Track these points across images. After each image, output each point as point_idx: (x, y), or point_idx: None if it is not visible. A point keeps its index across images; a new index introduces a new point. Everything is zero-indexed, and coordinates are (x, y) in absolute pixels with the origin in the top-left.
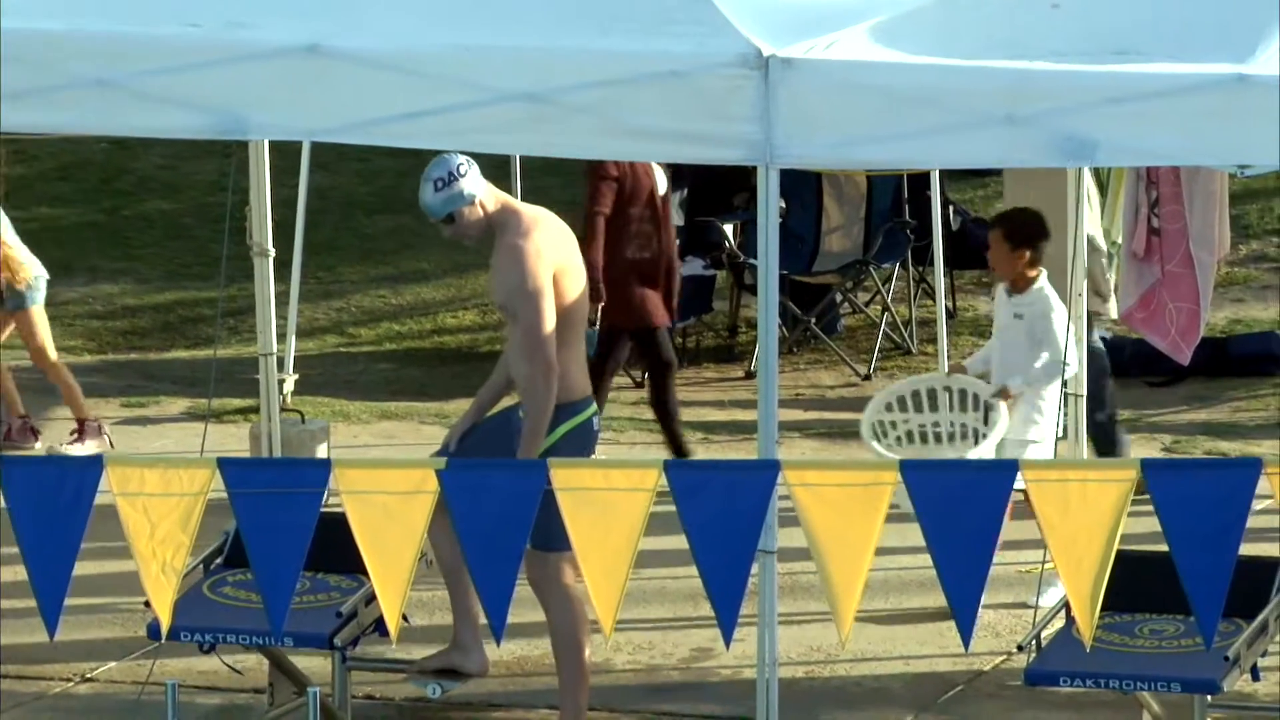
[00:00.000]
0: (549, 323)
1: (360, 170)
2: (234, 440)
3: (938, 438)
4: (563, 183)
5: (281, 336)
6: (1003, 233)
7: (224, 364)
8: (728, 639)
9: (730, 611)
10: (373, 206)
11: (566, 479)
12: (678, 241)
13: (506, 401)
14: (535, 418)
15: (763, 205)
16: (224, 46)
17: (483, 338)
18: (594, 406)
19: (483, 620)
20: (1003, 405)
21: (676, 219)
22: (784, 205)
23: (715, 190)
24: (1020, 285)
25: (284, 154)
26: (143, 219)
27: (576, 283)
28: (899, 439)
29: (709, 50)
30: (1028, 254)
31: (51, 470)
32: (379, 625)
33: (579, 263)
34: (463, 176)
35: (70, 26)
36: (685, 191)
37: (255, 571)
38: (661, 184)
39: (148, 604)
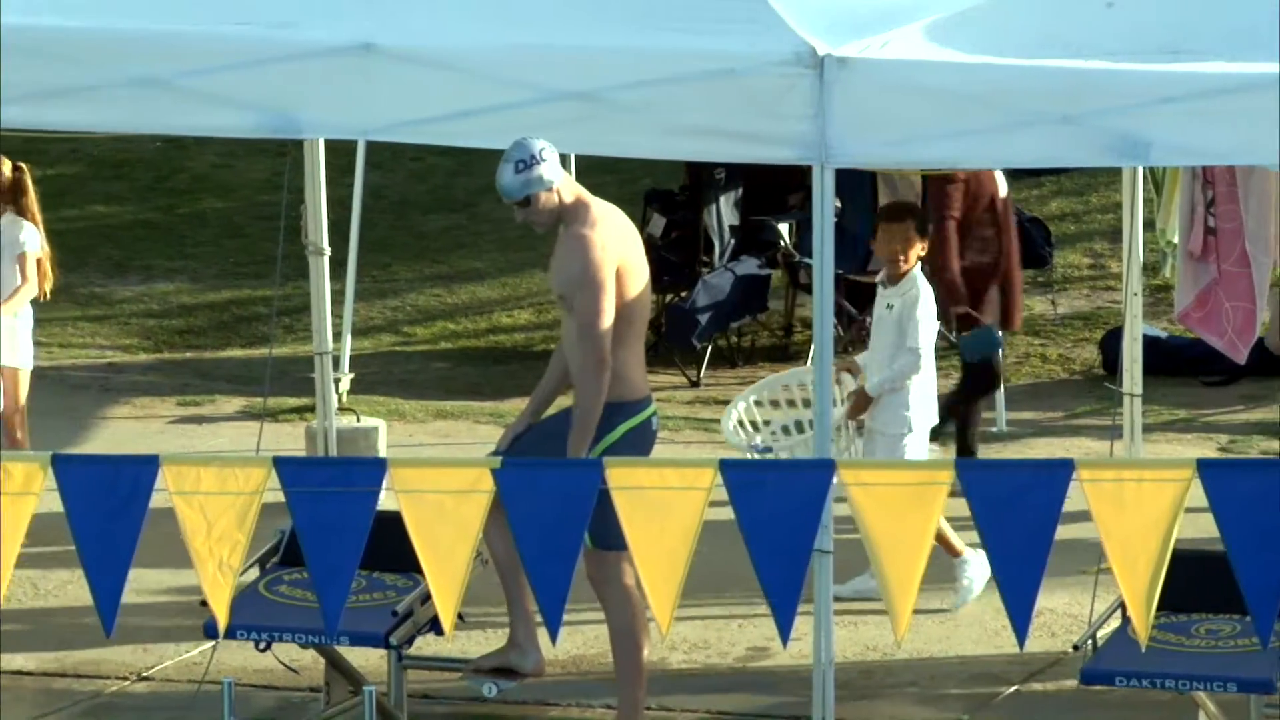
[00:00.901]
0: (606, 317)
1: (415, 169)
2: (289, 439)
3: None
4: (618, 181)
5: (337, 335)
6: (915, 223)
7: (279, 363)
8: (785, 638)
9: (787, 610)
10: (427, 205)
11: (622, 478)
12: (732, 241)
13: (563, 401)
14: (584, 409)
15: (818, 205)
16: (277, 45)
17: (538, 337)
18: (653, 406)
19: (539, 619)
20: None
21: (731, 218)
22: (839, 205)
23: (770, 190)
24: (900, 276)
25: (338, 153)
26: (197, 218)
27: (638, 281)
28: (777, 431)
29: (763, 49)
30: (919, 244)
31: (107, 469)
32: (434, 624)
33: (642, 261)
34: (543, 161)
35: (124, 25)
36: (740, 191)
37: (311, 570)
38: (1003, 187)
39: (204, 602)
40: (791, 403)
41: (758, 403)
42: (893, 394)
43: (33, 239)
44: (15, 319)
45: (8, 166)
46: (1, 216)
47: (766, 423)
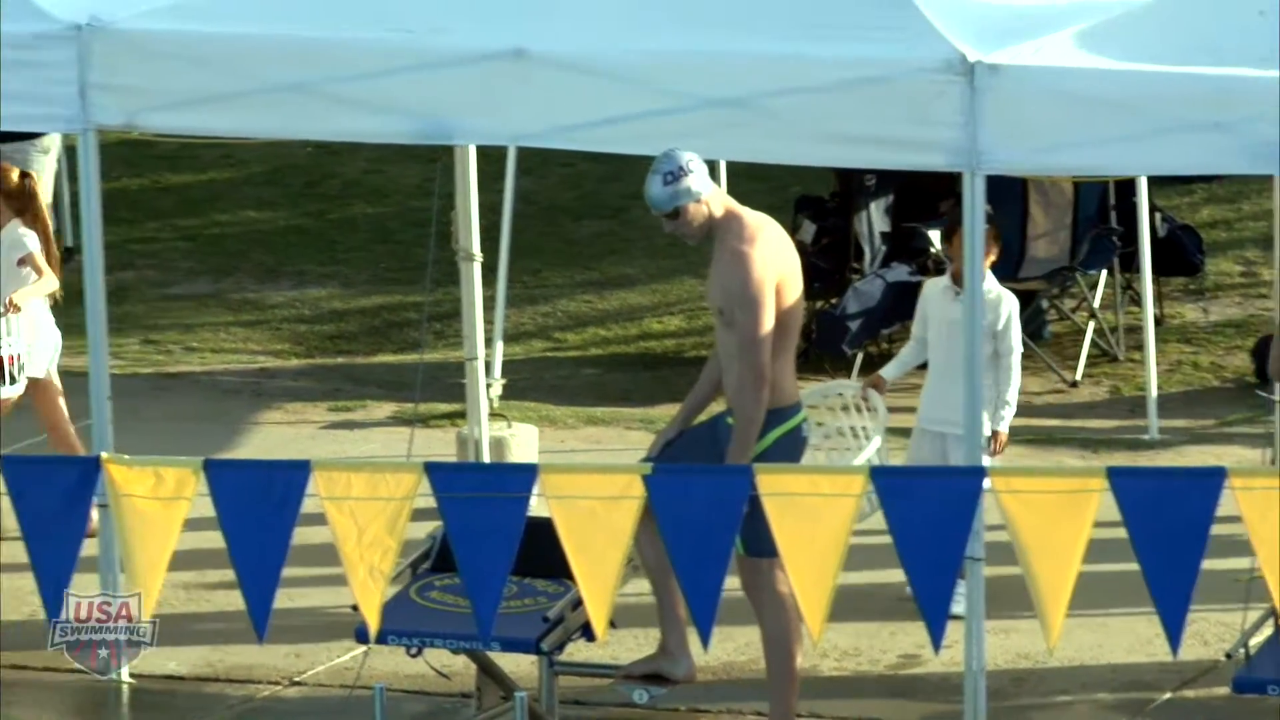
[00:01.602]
0: (766, 334)
1: (565, 175)
2: (440, 444)
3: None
4: (768, 188)
5: (488, 341)
6: (994, 230)
7: (430, 368)
8: (937, 645)
9: (939, 617)
10: (578, 211)
11: (772, 484)
12: (883, 248)
13: (714, 407)
14: (745, 425)
15: (969, 211)
16: (429, 51)
17: (688, 343)
18: (804, 413)
19: (690, 625)
20: (878, 398)
21: (882, 225)
22: (990, 210)
23: (921, 196)
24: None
25: (490, 158)
26: (349, 223)
27: (794, 291)
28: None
29: (913, 56)
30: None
31: (259, 474)
32: (586, 630)
33: (798, 271)
34: (691, 173)
35: (277, 31)
36: (891, 197)
37: (463, 575)
38: None
39: (355, 607)
40: (846, 408)
41: None
42: (952, 392)
43: (32, 239)
44: (36, 329)
45: (16, 174)
46: (5, 224)
47: (819, 424)
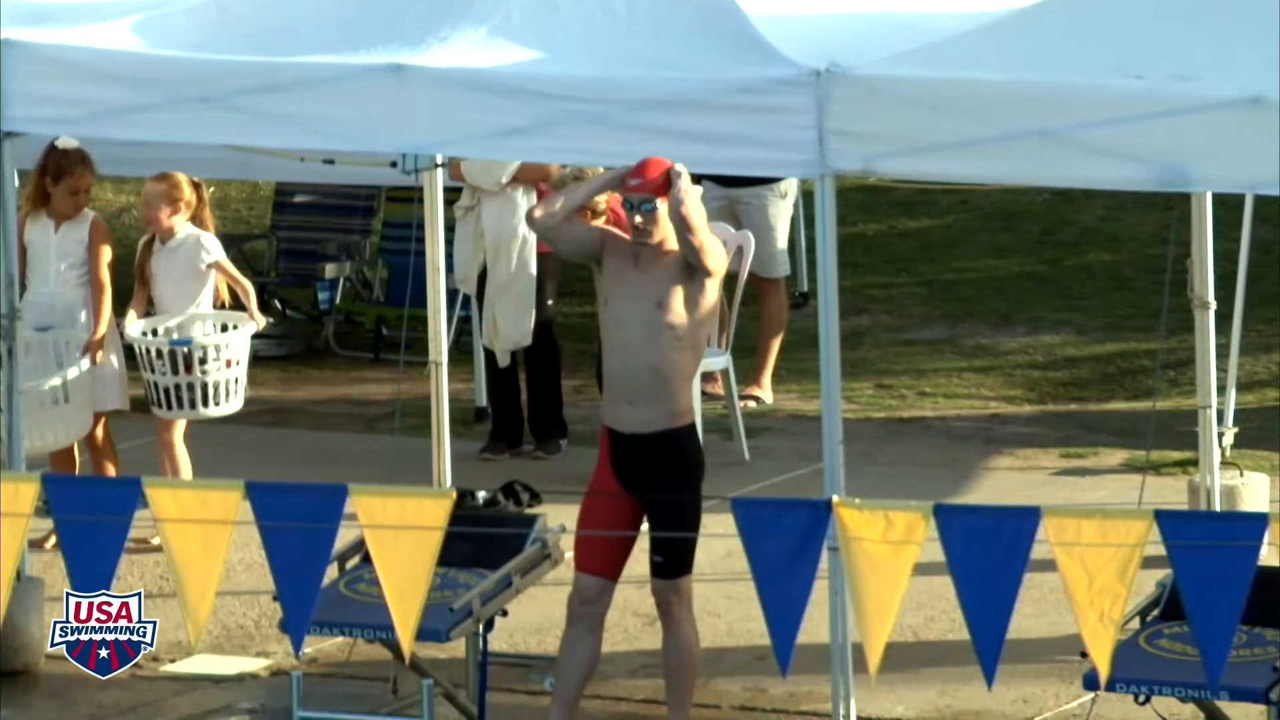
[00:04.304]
0: None
1: None
2: (1171, 492)
3: None
4: None
5: (1221, 389)
6: None
7: (1163, 416)
8: None
9: None
10: None
11: None
12: None
13: None
14: None
15: None
16: (1168, 99)
17: None
18: None
19: None
20: None
21: None
22: None
23: None
24: None
25: (1227, 206)
26: (1083, 270)
27: None
28: None
29: None
30: None
31: (989, 519)
32: None
33: None
34: None
35: (1016, 77)
36: None
37: (1192, 623)
38: None
39: (1084, 654)
40: None
41: None
42: None
43: (215, 244)
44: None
45: (188, 185)
46: (178, 231)
47: None
